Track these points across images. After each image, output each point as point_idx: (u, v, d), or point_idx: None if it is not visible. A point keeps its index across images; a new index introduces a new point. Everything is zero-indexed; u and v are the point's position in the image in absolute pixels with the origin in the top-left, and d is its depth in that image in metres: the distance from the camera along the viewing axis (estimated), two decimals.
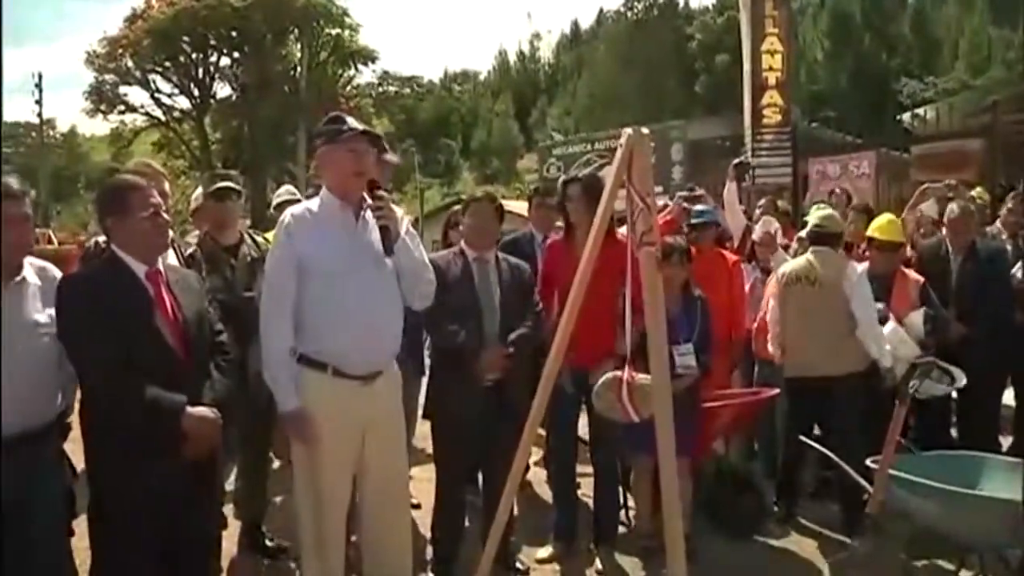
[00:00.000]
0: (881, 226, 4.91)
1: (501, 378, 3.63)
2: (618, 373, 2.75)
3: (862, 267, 4.68)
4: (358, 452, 3.03)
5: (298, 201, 4.86)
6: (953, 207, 5.23)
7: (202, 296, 2.99)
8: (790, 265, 4.66)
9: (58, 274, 2.88)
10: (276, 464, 5.16)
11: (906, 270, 4.95)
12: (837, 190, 7.45)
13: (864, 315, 4.35)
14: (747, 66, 11.76)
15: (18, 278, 2.66)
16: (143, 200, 2.73)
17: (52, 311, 2.66)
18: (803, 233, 5.08)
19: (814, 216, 4.77)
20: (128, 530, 2.63)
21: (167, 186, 3.82)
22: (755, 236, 5.63)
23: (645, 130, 2.50)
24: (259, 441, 4.12)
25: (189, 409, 2.65)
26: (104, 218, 2.77)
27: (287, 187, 6.15)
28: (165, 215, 2.83)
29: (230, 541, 4.11)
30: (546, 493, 5.08)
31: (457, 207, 4.99)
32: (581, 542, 4.19)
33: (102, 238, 4.07)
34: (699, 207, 5.26)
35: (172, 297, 2.77)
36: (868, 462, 3.66)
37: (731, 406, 4.49)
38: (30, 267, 2.75)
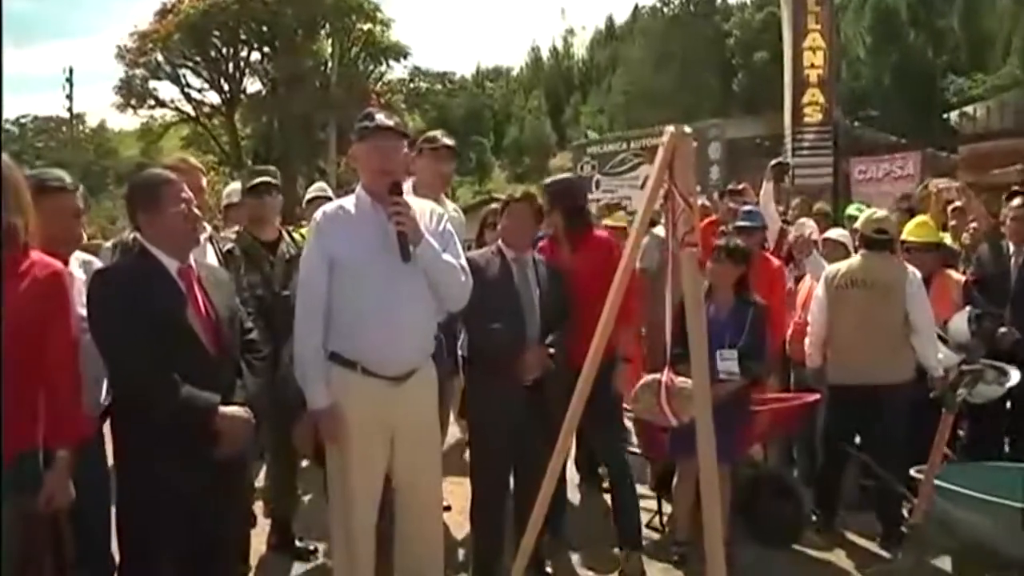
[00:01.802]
0: (914, 228, 4.85)
1: (539, 379, 3.64)
2: (658, 376, 2.76)
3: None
4: (388, 452, 3.06)
5: (329, 199, 4.94)
6: (1017, 200, 4.96)
7: (233, 293, 3.04)
8: (841, 267, 4.55)
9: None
10: (305, 463, 5.23)
11: (948, 271, 4.88)
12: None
13: (922, 321, 4.30)
14: (788, 63, 11.70)
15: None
16: (175, 195, 2.75)
17: None
18: (834, 234, 5.04)
19: (868, 218, 4.67)
20: (155, 528, 2.67)
21: (204, 181, 3.87)
22: (790, 239, 5.59)
23: (688, 129, 2.51)
24: (289, 440, 4.17)
25: (222, 408, 2.69)
26: (135, 213, 2.79)
27: (319, 184, 6.21)
28: (197, 210, 2.87)
29: (259, 540, 4.18)
30: (578, 496, 5.10)
31: (493, 205, 4.99)
32: (609, 547, 4.18)
33: (136, 233, 4.19)
34: (747, 208, 5.24)
35: (204, 294, 2.80)
36: (912, 472, 3.62)
37: (770, 410, 4.46)
38: (75, 261, 2.82)
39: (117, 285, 2.68)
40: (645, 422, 3.99)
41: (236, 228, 4.28)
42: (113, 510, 2.78)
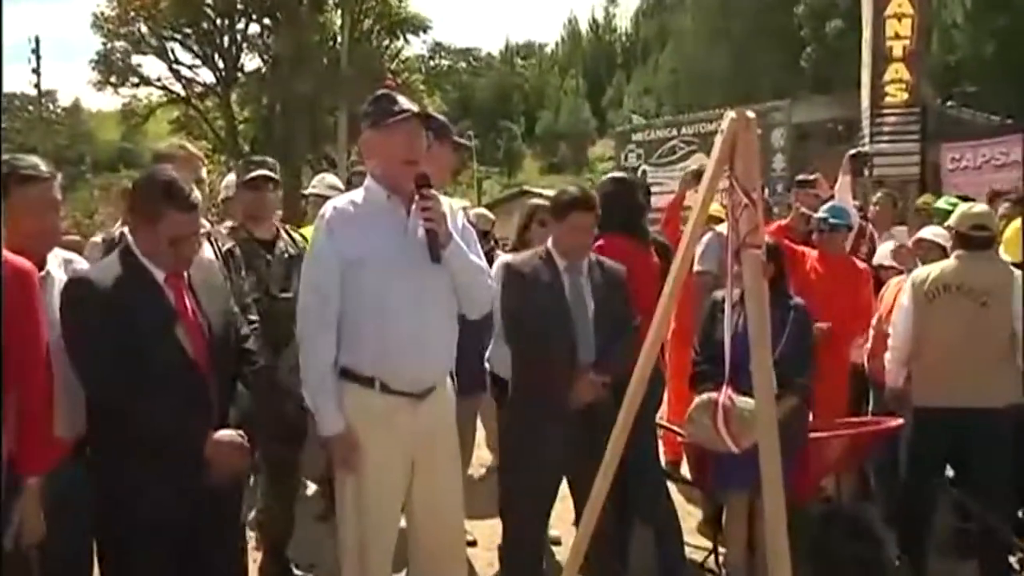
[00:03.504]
0: (1009, 239, 4.77)
1: (591, 406, 3.56)
2: (714, 395, 2.76)
3: None
4: (408, 479, 3.08)
5: (327, 197, 4.97)
6: None
7: (228, 297, 3.07)
8: (932, 271, 4.45)
9: (86, 267, 3.00)
10: (312, 489, 5.29)
11: None
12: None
13: None
14: (867, 34, 11.59)
15: (41, 272, 2.73)
16: (179, 223, 2.76)
17: None
18: (929, 232, 5.00)
19: (964, 213, 4.62)
20: (138, 562, 2.71)
21: (204, 172, 3.94)
22: (884, 255, 5.54)
23: (751, 113, 2.51)
24: (287, 460, 4.23)
25: (214, 435, 2.73)
26: (131, 214, 2.84)
27: (326, 176, 6.25)
28: (201, 238, 2.91)
29: (252, 568, 4.23)
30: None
31: (538, 201, 4.95)
32: None
33: (125, 228, 4.27)
34: (832, 204, 5.21)
35: (195, 301, 2.84)
36: (1022, 514, 3.56)
37: (842, 437, 4.44)
38: (55, 260, 2.85)
39: (94, 293, 2.68)
40: (697, 448, 3.99)
41: (230, 224, 4.33)
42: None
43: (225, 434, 2.76)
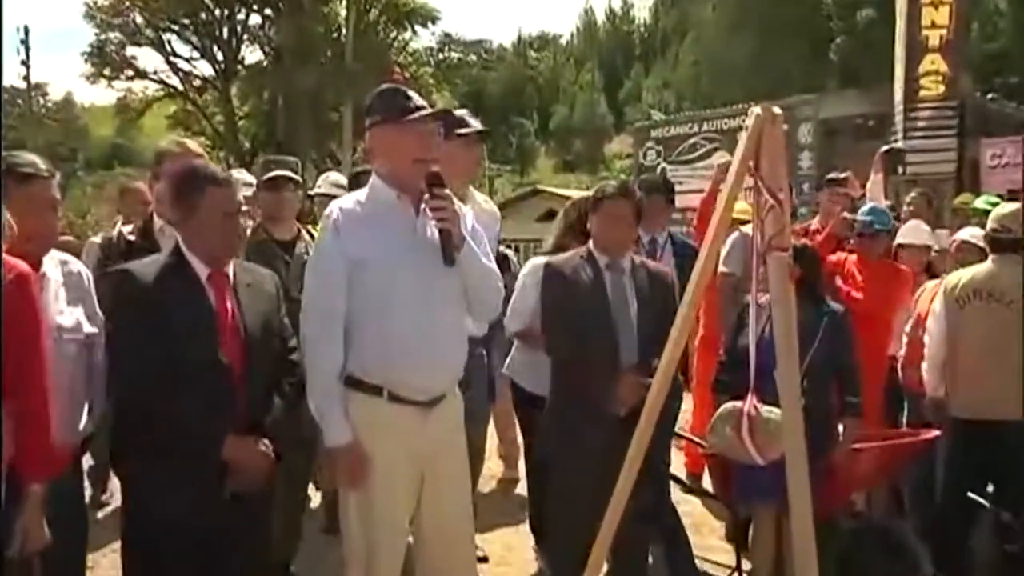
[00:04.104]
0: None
1: (634, 411, 3.43)
2: (738, 404, 2.77)
3: None
4: (416, 492, 3.08)
5: (333, 197, 5.02)
6: None
7: (276, 303, 3.11)
8: (964, 275, 4.47)
9: (83, 269, 3.04)
10: (315, 501, 5.32)
11: None
12: None
13: None
14: (901, 24, 11.51)
15: (37, 274, 2.74)
16: (224, 199, 2.89)
17: (79, 313, 2.82)
18: (967, 234, 4.98)
19: (995, 214, 4.62)
20: (163, 563, 2.77)
21: None
22: (904, 233, 5.54)
23: (777, 109, 2.52)
24: (301, 468, 4.25)
25: (232, 438, 2.77)
26: (174, 205, 2.93)
27: (331, 174, 6.28)
28: (242, 219, 3.02)
29: None
30: None
31: (576, 198, 4.92)
32: None
33: (125, 228, 4.33)
34: (872, 206, 5.19)
35: (237, 304, 2.90)
36: None
37: (875, 449, 4.42)
38: (51, 261, 2.89)
39: (133, 288, 2.78)
40: (719, 459, 3.99)
41: (250, 224, 4.40)
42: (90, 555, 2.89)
43: (246, 439, 2.80)
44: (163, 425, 2.73)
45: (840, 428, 4.10)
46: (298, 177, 4.39)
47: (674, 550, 4.17)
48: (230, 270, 2.95)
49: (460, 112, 4.26)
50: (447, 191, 3.02)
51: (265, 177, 4.33)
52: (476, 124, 4.09)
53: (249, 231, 4.31)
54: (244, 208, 3.05)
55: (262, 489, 2.91)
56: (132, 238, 4.10)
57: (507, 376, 4.64)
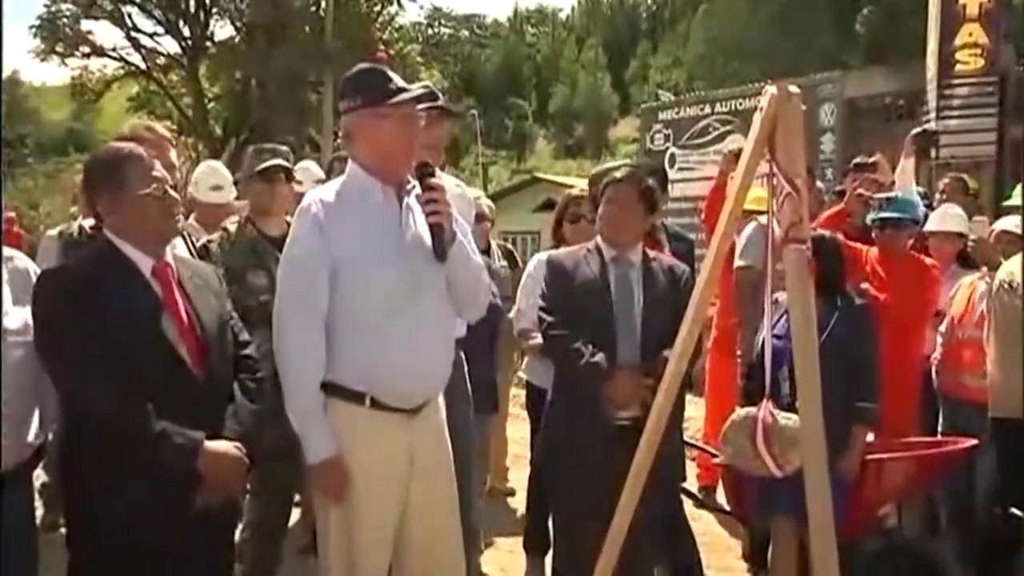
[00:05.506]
0: None
1: (639, 417, 3.47)
2: (752, 410, 2.78)
3: None
4: (400, 505, 3.09)
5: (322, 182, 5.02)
6: None
7: (223, 297, 3.11)
8: (1003, 269, 4.54)
9: (30, 265, 3.03)
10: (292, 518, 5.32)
11: None
12: None
13: None
14: None
15: None
16: (144, 173, 2.83)
17: (26, 314, 2.79)
18: (1009, 223, 4.98)
19: None
20: None
21: (174, 155, 3.98)
22: (934, 220, 5.55)
23: (795, 88, 2.52)
24: (287, 480, 4.24)
25: (208, 444, 2.75)
26: (95, 197, 2.88)
27: (310, 166, 6.28)
28: (174, 193, 2.93)
29: None
30: None
31: (573, 191, 4.96)
32: None
33: (87, 222, 4.32)
34: (895, 194, 5.17)
35: (186, 298, 2.88)
36: None
37: (905, 459, 4.43)
38: None
39: (73, 288, 2.71)
40: (733, 471, 3.99)
41: (236, 218, 4.40)
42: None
43: (220, 445, 2.78)
44: (123, 435, 2.68)
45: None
46: (291, 167, 4.38)
47: (687, 572, 4.17)
48: (171, 261, 2.92)
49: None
50: (440, 182, 3.04)
51: (259, 167, 4.30)
52: (440, 98, 4.09)
53: (234, 224, 4.29)
54: (171, 183, 2.98)
55: (230, 500, 2.91)
56: (94, 232, 4.09)
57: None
